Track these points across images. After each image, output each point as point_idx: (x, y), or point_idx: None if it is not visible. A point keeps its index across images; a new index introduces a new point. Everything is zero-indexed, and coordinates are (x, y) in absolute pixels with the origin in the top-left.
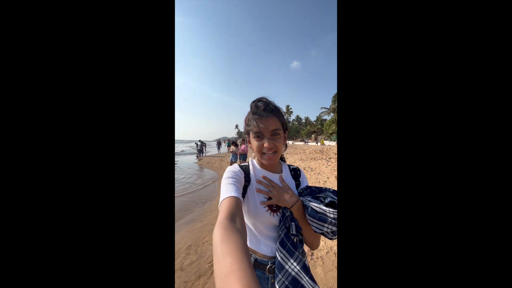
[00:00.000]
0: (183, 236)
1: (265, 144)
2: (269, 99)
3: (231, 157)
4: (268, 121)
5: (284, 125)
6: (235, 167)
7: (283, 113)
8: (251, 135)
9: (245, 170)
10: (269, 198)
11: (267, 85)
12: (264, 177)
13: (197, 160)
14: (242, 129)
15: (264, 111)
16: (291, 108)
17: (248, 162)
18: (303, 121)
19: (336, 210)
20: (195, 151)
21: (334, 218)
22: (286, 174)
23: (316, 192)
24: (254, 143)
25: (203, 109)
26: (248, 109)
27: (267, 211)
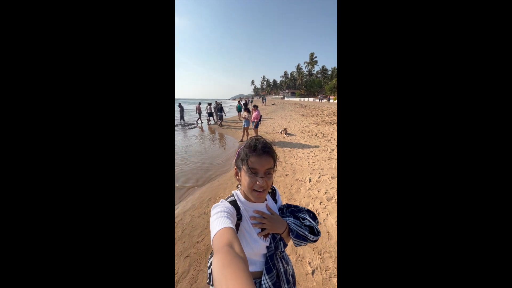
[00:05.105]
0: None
1: (258, 182)
2: (265, 140)
3: (243, 123)
4: (264, 160)
5: (275, 162)
6: (226, 203)
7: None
8: (243, 170)
9: (235, 207)
10: (263, 228)
11: (289, 30)
12: (257, 211)
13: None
14: (258, 85)
15: (262, 150)
16: (315, 57)
17: (233, 197)
18: (330, 72)
19: (315, 236)
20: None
21: (313, 240)
22: (268, 199)
23: (295, 211)
24: (246, 179)
25: (216, 62)
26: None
27: (263, 239)
